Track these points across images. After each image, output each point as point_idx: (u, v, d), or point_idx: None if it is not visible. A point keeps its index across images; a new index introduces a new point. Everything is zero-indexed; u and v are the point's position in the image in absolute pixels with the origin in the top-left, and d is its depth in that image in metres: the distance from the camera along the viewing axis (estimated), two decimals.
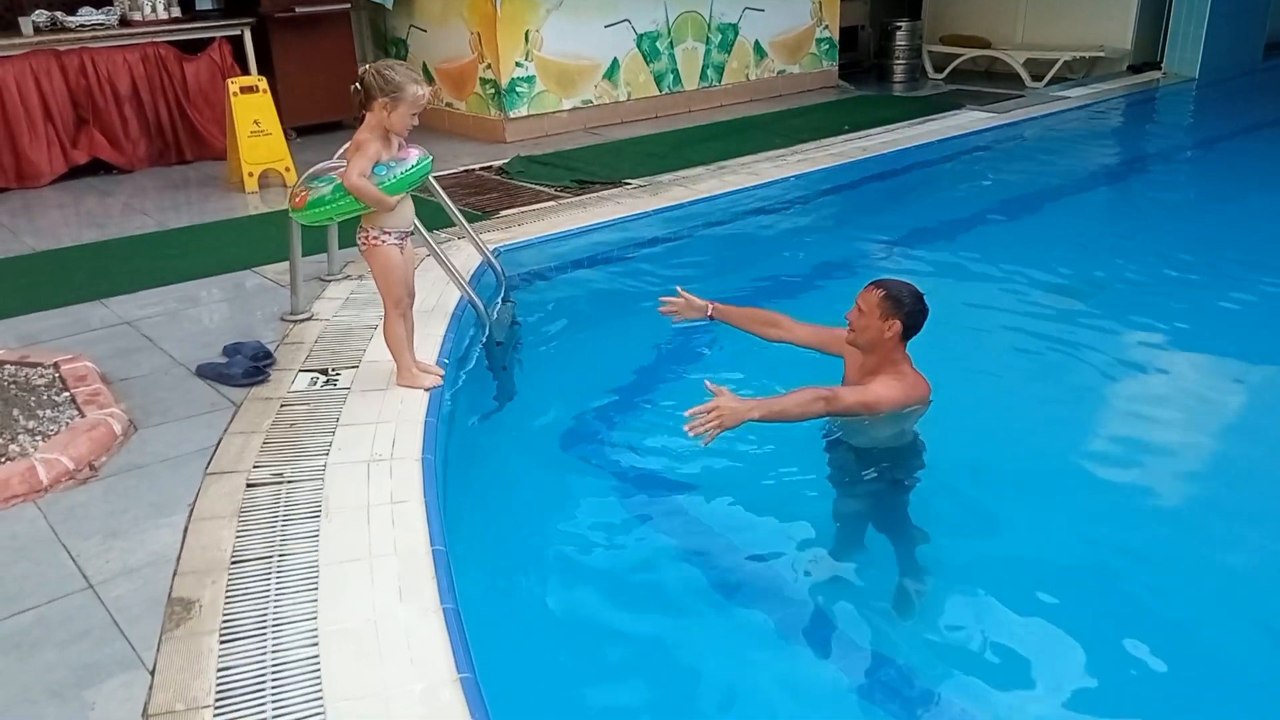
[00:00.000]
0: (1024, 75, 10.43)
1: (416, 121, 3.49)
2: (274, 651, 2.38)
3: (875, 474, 3.41)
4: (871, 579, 3.04)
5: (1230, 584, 3.02)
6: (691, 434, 3.03)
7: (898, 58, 10.98)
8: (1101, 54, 10.52)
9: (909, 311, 3.25)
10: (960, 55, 10.93)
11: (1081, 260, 5.57)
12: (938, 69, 11.05)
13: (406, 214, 3.62)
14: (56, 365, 3.81)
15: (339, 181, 3.48)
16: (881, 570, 3.07)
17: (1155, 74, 10.54)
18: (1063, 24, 10.76)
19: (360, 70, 3.45)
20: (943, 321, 3.42)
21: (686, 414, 3.06)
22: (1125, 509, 3.38)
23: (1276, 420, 3.96)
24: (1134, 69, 10.61)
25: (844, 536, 3.29)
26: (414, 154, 3.58)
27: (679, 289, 3.81)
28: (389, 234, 3.56)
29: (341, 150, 4.45)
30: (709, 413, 3.02)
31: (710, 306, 3.76)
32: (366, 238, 3.59)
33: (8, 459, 3.17)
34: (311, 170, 3.90)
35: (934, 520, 3.24)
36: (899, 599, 2.99)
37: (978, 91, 10.02)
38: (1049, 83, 10.27)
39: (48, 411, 3.48)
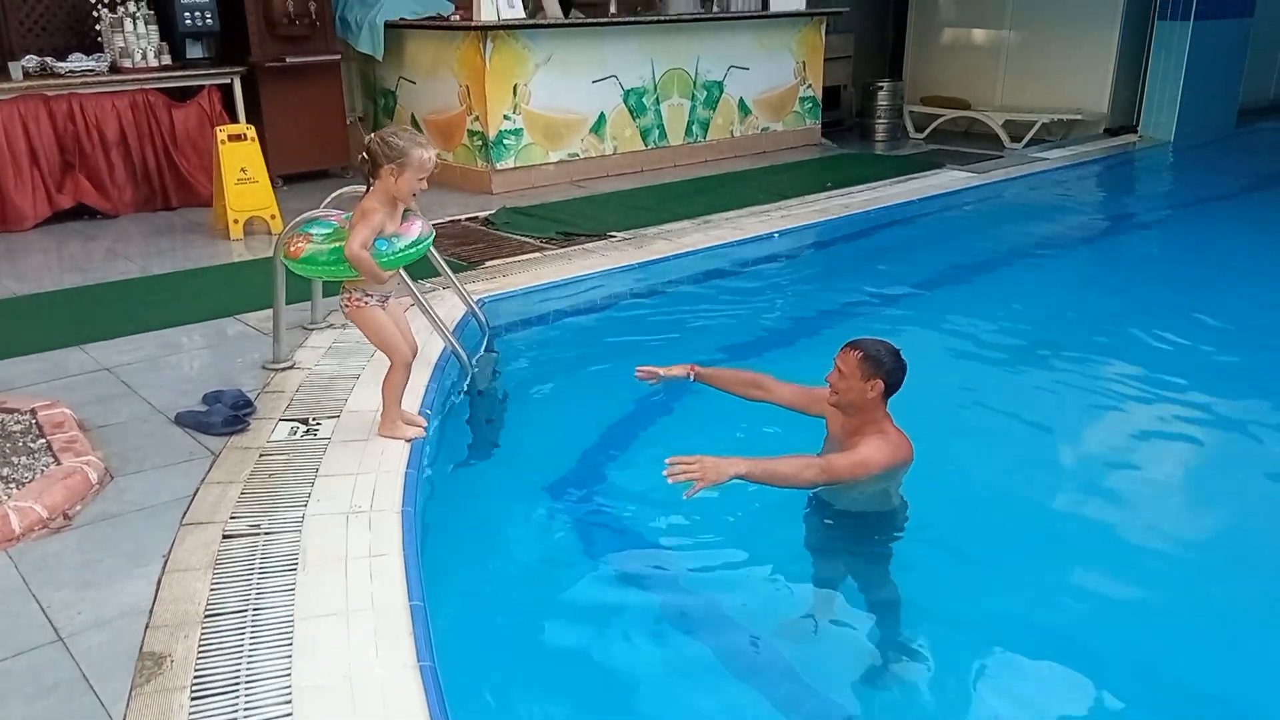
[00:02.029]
0: (1003, 136, 10.62)
1: (425, 186, 3.48)
2: (246, 710, 2.33)
3: (856, 535, 3.41)
4: (852, 640, 3.02)
5: (1225, 632, 3.03)
6: (670, 480, 3.00)
7: (879, 117, 11.16)
8: (1079, 116, 10.73)
9: (889, 370, 3.27)
10: (941, 115, 11.12)
11: (1060, 319, 5.64)
12: (919, 129, 11.24)
13: (389, 283, 3.64)
14: (34, 411, 3.77)
15: (339, 246, 3.48)
16: (862, 632, 3.05)
17: (1132, 137, 10.75)
18: (1041, 87, 10.98)
19: (366, 139, 3.48)
20: (921, 378, 3.43)
21: (667, 461, 3.04)
22: (1110, 563, 3.40)
23: (1256, 469, 3.99)
24: (1110, 131, 10.82)
25: (824, 596, 3.28)
26: (415, 228, 3.59)
27: (655, 369, 3.81)
28: (370, 296, 3.58)
29: (329, 199, 4.50)
30: (690, 463, 3.00)
31: (691, 370, 3.78)
32: (349, 299, 3.60)
33: None
34: (306, 216, 3.90)
35: (916, 579, 3.23)
36: (879, 661, 2.97)
37: (958, 151, 10.19)
38: (1027, 144, 10.45)
39: (23, 458, 3.43)
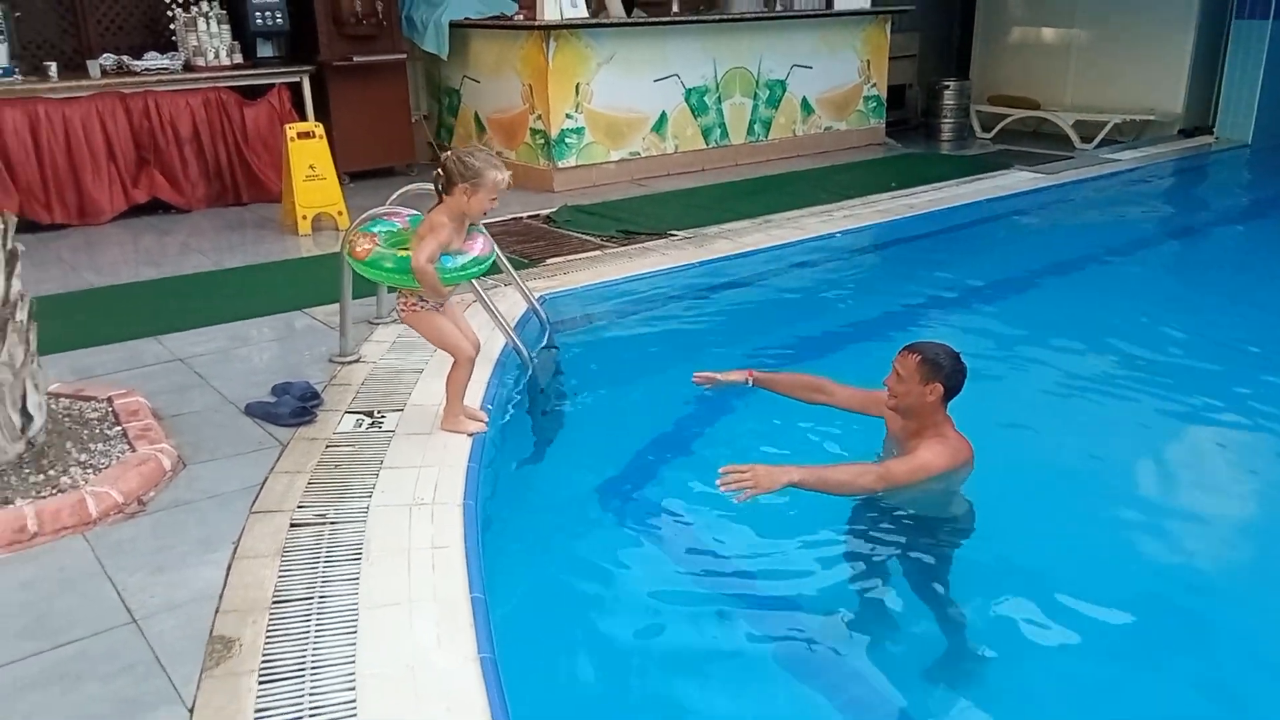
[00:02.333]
0: (1073, 136, 10.40)
1: (496, 205, 3.56)
2: (311, 694, 2.38)
3: (916, 536, 3.36)
4: (910, 644, 2.99)
5: None
6: (723, 489, 3.01)
7: (945, 116, 11.00)
8: (1152, 117, 10.47)
9: (948, 373, 3.23)
10: (1008, 115, 10.93)
11: (1130, 326, 5.49)
12: (985, 128, 11.06)
13: (449, 290, 3.70)
14: (110, 400, 3.88)
15: (404, 256, 3.52)
16: (920, 636, 3.01)
17: (1207, 138, 10.46)
18: (1113, 87, 10.73)
19: (442, 156, 3.55)
20: (985, 383, 3.39)
21: (721, 470, 3.05)
22: (1171, 575, 3.31)
23: None
24: (1185, 133, 10.54)
25: (882, 597, 3.24)
26: (478, 245, 3.65)
27: (713, 374, 3.82)
28: (426, 301, 3.64)
29: (394, 196, 4.57)
30: (743, 471, 3.01)
31: (749, 375, 3.77)
32: (406, 304, 3.67)
33: (59, 491, 3.23)
34: (369, 214, 3.97)
35: (977, 585, 3.18)
36: (939, 666, 2.94)
37: (1026, 152, 10.01)
38: (1099, 145, 10.22)
39: (100, 445, 3.54)
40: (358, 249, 3.65)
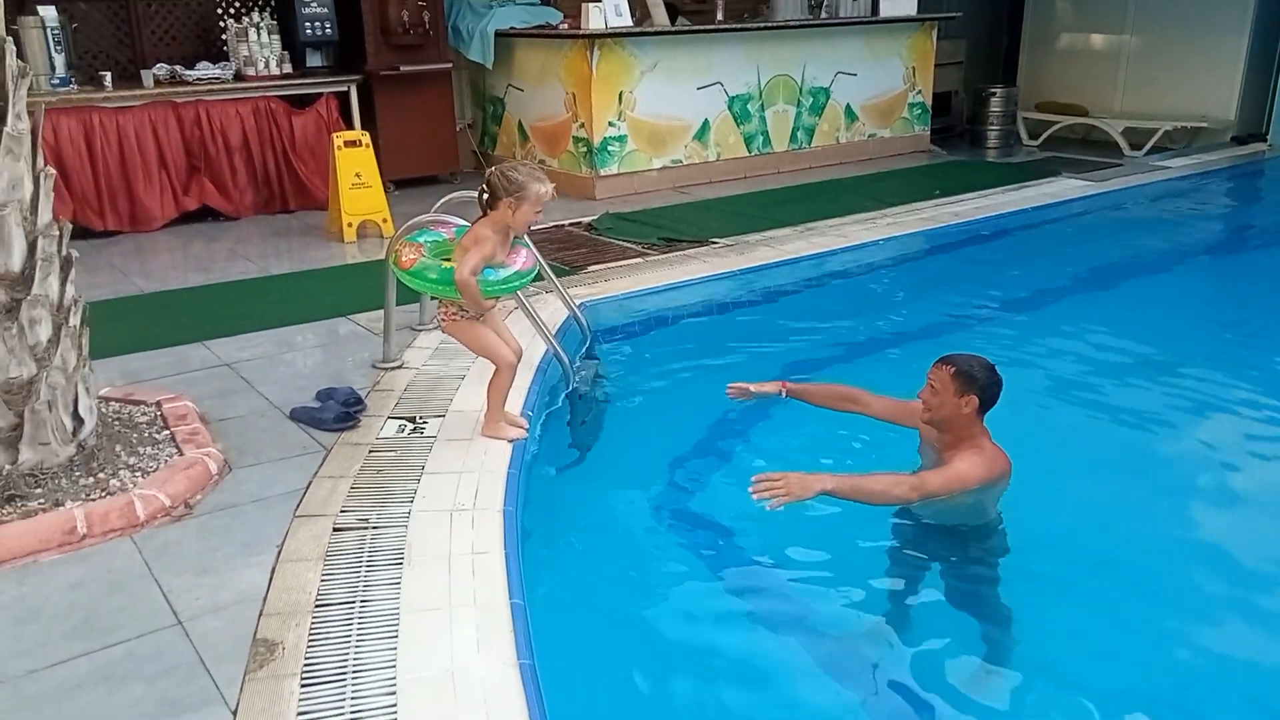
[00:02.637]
0: (1122, 144, 10.23)
1: (540, 218, 3.59)
2: (353, 698, 2.39)
3: (949, 547, 3.32)
4: (948, 657, 2.94)
5: None
6: (755, 498, 3.00)
7: (992, 123, 10.88)
8: (1204, 124, 10.28)
9: (983, 386, 3.19)
10: (1056, 122, 10.78)
11: (1179, 338, 5.38)
12: (1033, 136, 10.92)
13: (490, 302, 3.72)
14: (159, 404, 3.94)
15: (449, 268, 3.55)
16: (960, 649, 2.97)
17: (1261, 146, 10.25)
18: (1163, 93, 10.55)
19: (486, 172, 3.57)
20: (1030, 394, 3.34)
21: (754, 479, 3.04)
22: (1223, 602, 3.22)
23: None
24: (1238, 140, 10.33)
25: (918, 611, 3.20)
26: (520, 258, 3.67)
27: (746, 386, 3.82)
28: (467, 310, 3.65)
29: (439, 204, 4.61)
30: (776, 479, 3.00)
31: (783, 386, 3.76)
32: (446, 314, 3.70)
33: (108, 494, 3.28)
34: (415, 222, 4.00)
35: (1009, 597, 3.14)
36: (975, 681, 2.89)
37: (1074, 159, 9.86)
38: (1148, 152, 10.05)
39: (148, 448, 3.59)
40: (403, 258, 3.67)
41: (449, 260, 3.61)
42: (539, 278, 4.08)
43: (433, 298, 4.07)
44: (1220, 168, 9.57)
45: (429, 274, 3.61)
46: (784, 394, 3.76)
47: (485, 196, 3.53)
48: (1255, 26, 10.01)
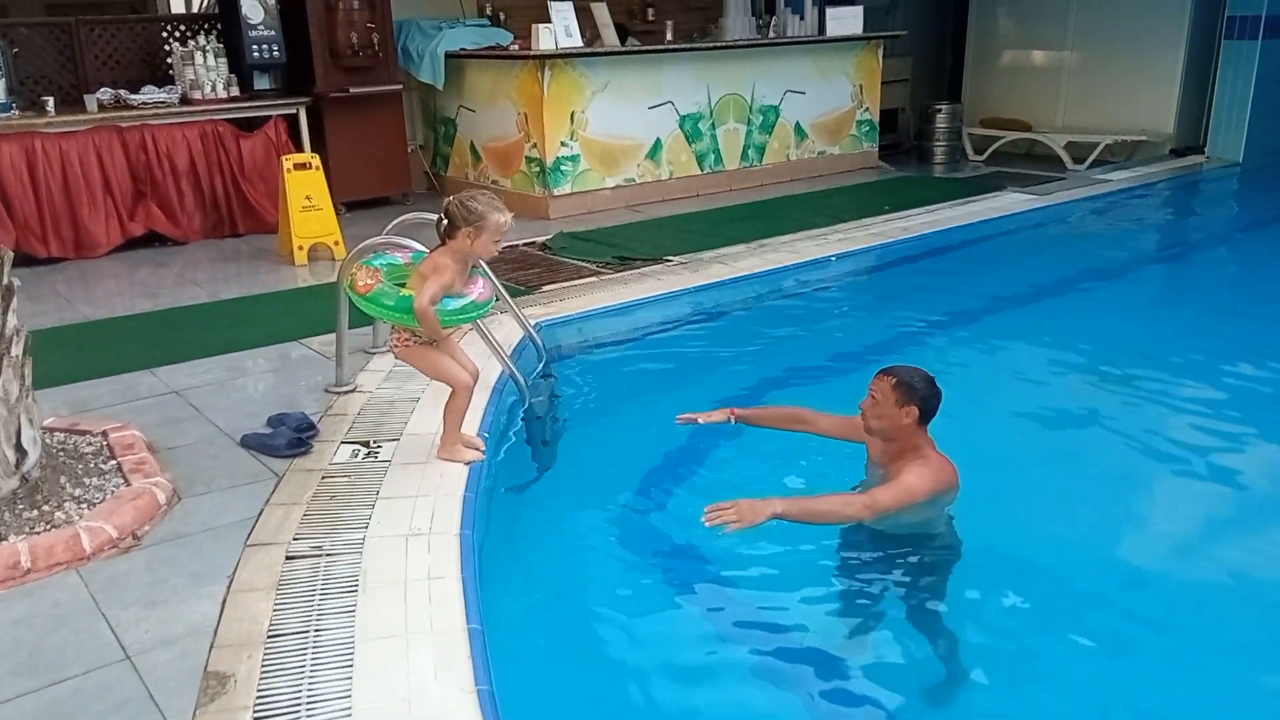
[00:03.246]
0: (1065, 158, 10.45)
1: (500, 248, 3.59)
2: None
3: (899, 555, 3.35)
4: (901, 664, 2.98)
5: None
6: (707, 525, 3.06)
7: (938, 139, 11.06)
8: (1144, 138, 10.53)
9: (923, 397, 3.26)
10: (1001, 138, 10.99)
11: (1124, 346, 5.49)
12: (978, 151, 11.11)
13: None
14: (105, 433, 3.87)
15: (407, 296, 3.51)
16: (911, 656, 3.00)
17: (1198, 158, 10.52)
18: (1104, 108, 10.80)
19: (445, 201, 3.55)
20: (979, 405, 3.39)
21: (705, 508, 3.09)
22: (1165, 600, 3.29)
23: None
24: (1176, 152, 10.60)
25: (872, 619, 3.22)
26: (478, 288, 3.64)
27: (694, 416, 3.88)
28: (420, 335, 3.63)
29: (391, 225, 4.59)
30: (726, 507, 3.05)
31: (731, 413, 3.80)
32: (399, 339, 3.67)
33: (53, 526, 3.21)
34: (368, 244, 3.97)
35: (961, 604, 3.17)
36: (932, 686, 2.92)
37: (1019, 173, 10.05)
38: (1091, 165, 10.28)
39: (94, 479, 3.52)
40: (359, 283, 3.62)
41: (405, 286, 3.58)
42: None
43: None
44: (1160, 180, 9.81)
45: (385, 300, 3.57)
46: (732, 420, 3.81)
47: (444, 225, 3.51)
48: (1190, 42, 10.29)
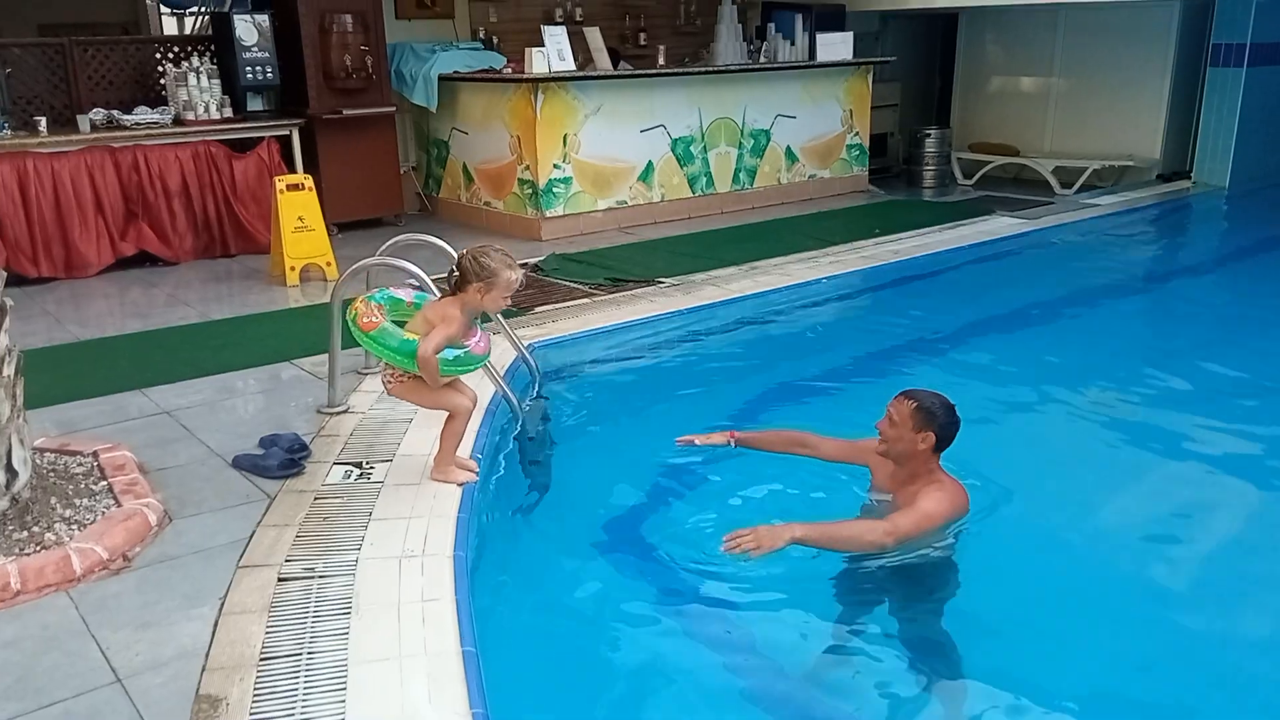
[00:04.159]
0: (1053, 182, 10.54)
1: (509, 304, 3.64)
2: None
3: (900, 584, 3.35)
4: (886, 688, 2.96)
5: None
6: (727, 553, 3.08)
7: (927, 164, 11.15)
8: (1130, 163, 10.63)
9: (942, 424, 3.25)
10: (989, 162, 11.07)
11: (1111, 369, 5.53)
12: (967, 175, 11.20)
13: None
14: (95, 454, 3.85)
15: (411, 340, 3.50)
16: (898, 679, 2.99)
17: (1185, 183, 10.61)
18: (1091, 133, 10.91)
19: (459, 255, 3.58)
20: (969, 427, 3.39)
21: (725, 537, 3.11)
22: (1161, 621, 3.30)
23: None
24: (1163, 178, 10.70)
25: (870, 645, 3.21)
26: (476, 341, 3.63)
27: (693, 438, 3.90)
28: (408, 373, 3.63)
29: (384, 247, 4.60)
30: (746, 535, 3.07)
31: (731, 436, 3.80)
32: (392, 375, 3.65)
33: (43, 548, 3.19)
34: (361, 266, 3.97)
35: (958, 629, 3.17)
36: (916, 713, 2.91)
37: (1007, 198, 10.12)
38: (1078, 190, 10.36)
39: (85, 500, 3.50)
40: (362, 319, 3.59)
41: (407, 328, 3.57)
42: (485, 318, 4.02)
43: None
44: (1147, 204, 9.89)
45: (388, 341, 3.54)
46: (733, 444, 3.81)
47: (455, 277, 3.53)
48: (1176, 69, 10.41)
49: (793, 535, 3.08)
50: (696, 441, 3.85)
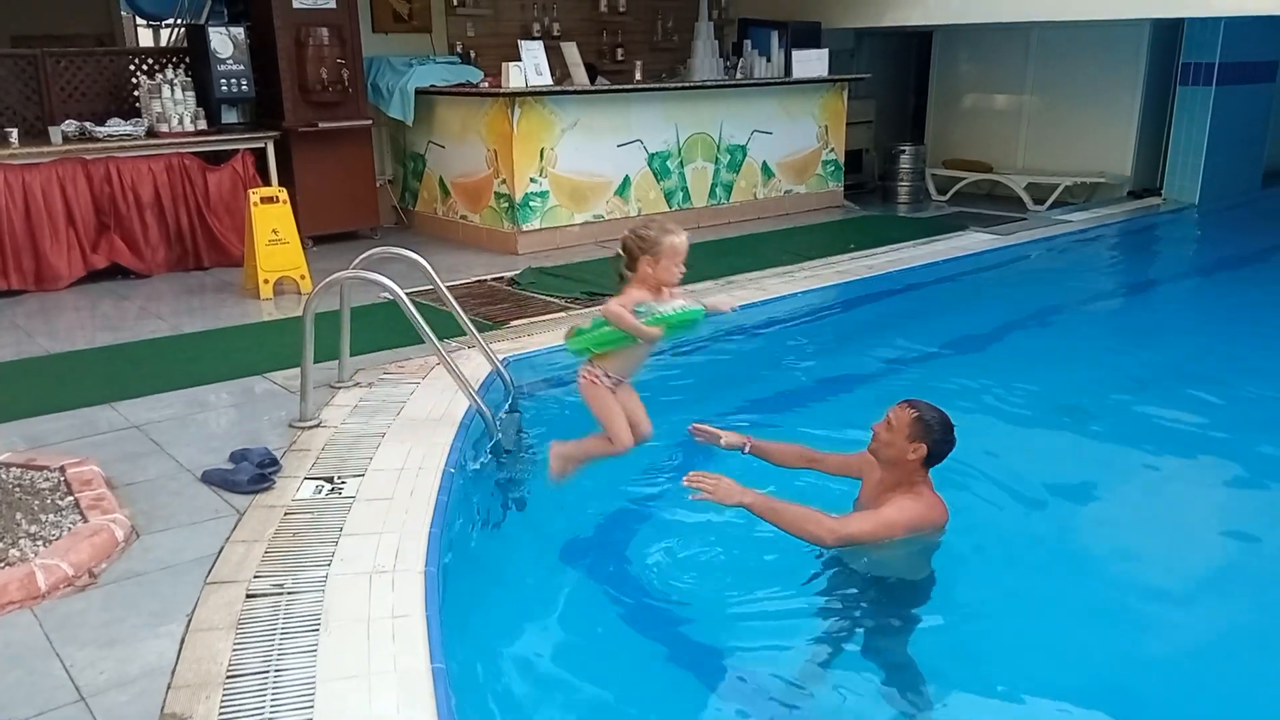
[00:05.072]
0: (1026, 199, 10.65)
1: (683, 269, 3.60)
2: None
3: (878, 600, 3.35)
4: (859, 705, 2.96)
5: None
6: (685, 484, 3.22)
7: (902, 180, 11.23)
8: (1102, 180, 10.76)
9: (936, 439, 3.27)
10: (963, 178, 11.18)
11: (1084, 384, 5.58)
12: (941, 191, 11.29)
13: (631, 365, 3.75)
14: (62, 469, 3.80)
15: (601, 319, 3.58)
16: (870, 697, 2.99)
17: (1155, 200, 10.75)
18: (1063, 150, 11.04)
19: (621, 236, 3.64)
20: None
21: (690, 473, 3.24)
22: (1139, 636, 3.32)
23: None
24: (1134, 194, 10.83)
25: (837, 659, 3.20)
26: (678, 301, 3.64)
27: (712, 428, 3.87)
28: (608, 377, 3.67)
29: (359, 259, 4.58)
30: (709, 479, 3.19)
31: (748, 441, 3.80)
32: (587, 374, 3.70)
33: (7, 564, 3.15)
34: (336, 279, 3.95)
35: (932, 648, 3.17)
36: None
37: (981, 213, 10.21)
38: (1050, 206, 10.47)
39: (51, 516, 3.46)
40: (569, 331, 3.74)
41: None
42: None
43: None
44: (1119, 220, 10.01)
45: (585, 328, 3.64)
46: (747, 449, 3.80)
47: (621, 260, 3.58)
48: (1146, 87, 10.56)
49: (744, 500, 3.18)
50: (720, 439, 3.79)
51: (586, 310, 6.42)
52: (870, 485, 3.47)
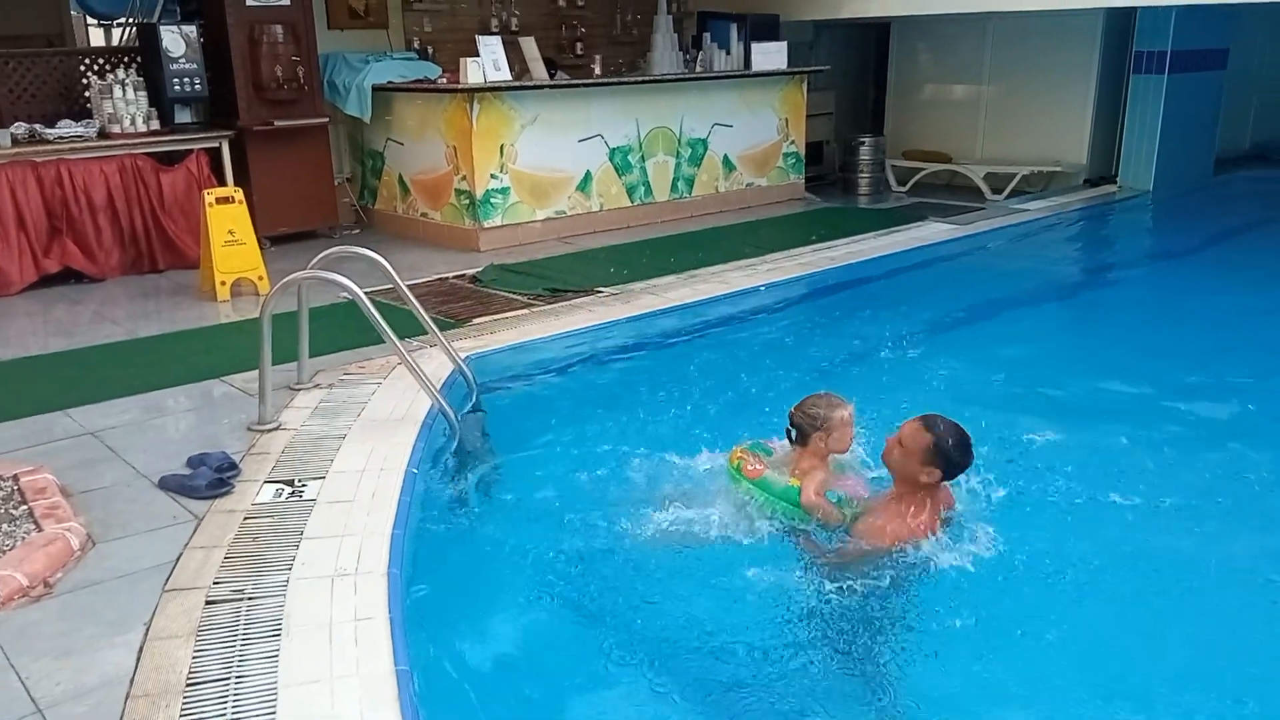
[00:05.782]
0: (984, 188, 10.75)
1: (853, 436, 3.76)
2: None
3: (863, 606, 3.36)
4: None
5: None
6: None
7: (862, 171, 11.29)
8: (1058, 169, 10.89)
9: (954, 463, 3.35)
10: (922, 169, 11.27)
11: (1044, 370, 5.64)
12: (901, 182, 11.38)
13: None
14: (16, 478, 3.74)
15: (793, 489, 3.63)
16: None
17: (1111, 188, 10.90)
18: (1020, 140, 11.16)
19: (790, 412, 3.80)
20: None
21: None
22: (1121, 624, 3.35)
23: (1245, 525, 3.97)
24: (1090, 182, 10.97)
25: (813, 659, 3.22)
26: (850, 482, 3.76)
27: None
28: None
29: (317, 259, 4.53)
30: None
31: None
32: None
33: None
34: (293, 279, 3.90)
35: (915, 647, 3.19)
36: None
37: (940, 204, 10.31)
38: (1008, 195, 10.59)
39: (3, 526, 3.40)
40: (748, 468, 3.78)
41: (793, 477, 3.71)
42: (420, 330, 3.85)
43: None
44: (1075, 209, 10.13)
45: (773, 489, 3.69)
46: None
47: (794, 434, 3.74)
48: (1100, 76, 10.69)
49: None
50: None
51: (549, 307, 6.41)
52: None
